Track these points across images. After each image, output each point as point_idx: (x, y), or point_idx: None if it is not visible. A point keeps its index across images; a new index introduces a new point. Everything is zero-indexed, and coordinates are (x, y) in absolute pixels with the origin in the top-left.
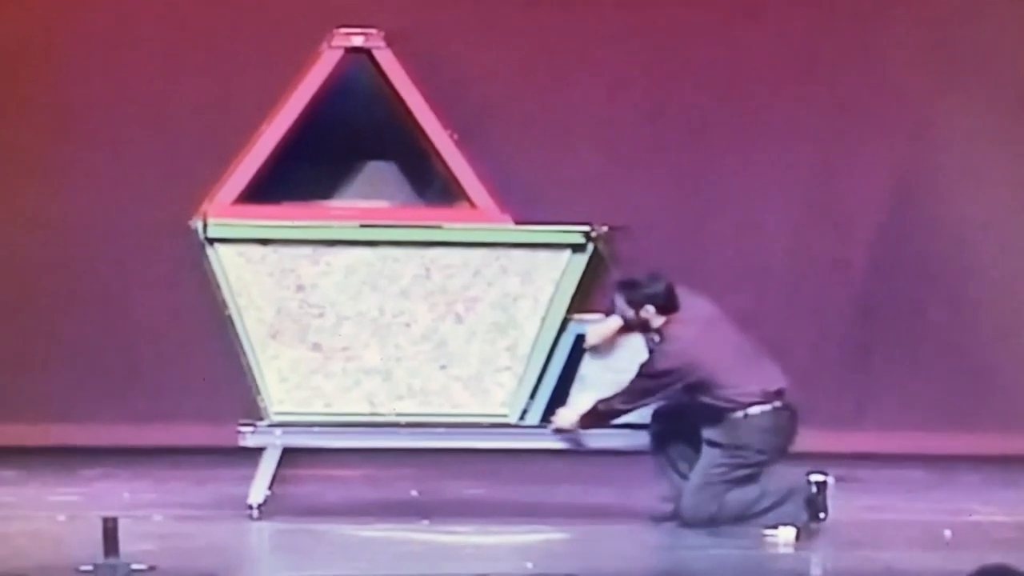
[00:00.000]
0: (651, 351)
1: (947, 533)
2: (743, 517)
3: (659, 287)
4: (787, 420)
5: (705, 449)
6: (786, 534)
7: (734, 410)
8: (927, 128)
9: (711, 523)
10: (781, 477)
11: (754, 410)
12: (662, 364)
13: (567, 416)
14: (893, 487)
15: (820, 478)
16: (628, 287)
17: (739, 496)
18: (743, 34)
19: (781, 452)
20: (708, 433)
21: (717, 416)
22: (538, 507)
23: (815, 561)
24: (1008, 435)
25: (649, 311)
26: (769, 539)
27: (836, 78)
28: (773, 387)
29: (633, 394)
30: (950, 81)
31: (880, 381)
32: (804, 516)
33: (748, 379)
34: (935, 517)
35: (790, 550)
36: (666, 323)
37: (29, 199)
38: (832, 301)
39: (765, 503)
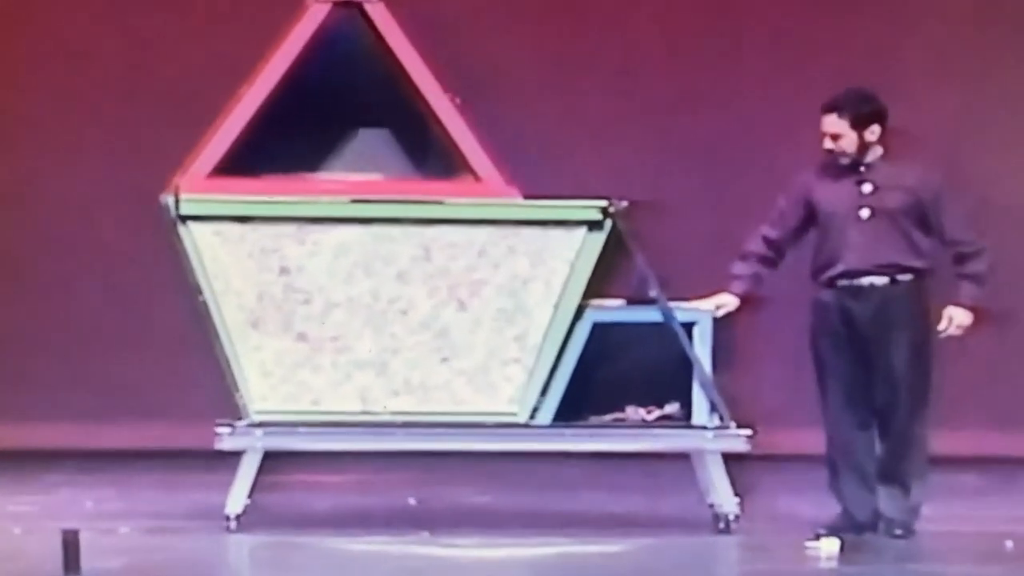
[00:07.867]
0: None
1: (1008, 544)
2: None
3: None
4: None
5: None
6: (829, 546)
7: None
8: (948, 128)
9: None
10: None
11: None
12: None
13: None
14: (945, 494)
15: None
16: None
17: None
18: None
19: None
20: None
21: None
22: (550, 517)
23: None
24: None
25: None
26: (810, 552)
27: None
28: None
29: None
30: (969, 81)
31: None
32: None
33: None
34: (993, 526)
35: (833, 563)
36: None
37: None
38: None
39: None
